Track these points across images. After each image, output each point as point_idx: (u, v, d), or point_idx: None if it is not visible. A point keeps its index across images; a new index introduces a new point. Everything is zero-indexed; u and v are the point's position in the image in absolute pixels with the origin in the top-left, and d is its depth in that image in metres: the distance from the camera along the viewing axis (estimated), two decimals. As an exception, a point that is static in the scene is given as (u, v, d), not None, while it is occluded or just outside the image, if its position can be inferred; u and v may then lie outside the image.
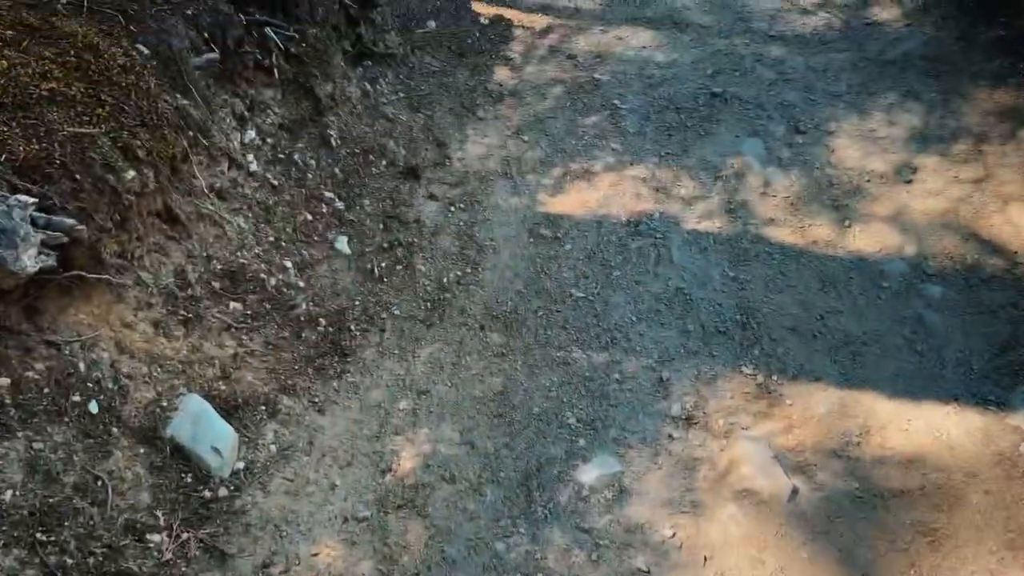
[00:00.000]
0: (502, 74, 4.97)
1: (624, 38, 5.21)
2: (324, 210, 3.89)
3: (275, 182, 3.76)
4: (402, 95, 4.68)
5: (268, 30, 3.76)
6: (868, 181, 4.15)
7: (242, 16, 3.62)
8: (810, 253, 3.83)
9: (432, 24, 5.21)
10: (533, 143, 4.52)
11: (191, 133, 3.18)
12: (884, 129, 4.40)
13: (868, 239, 3.87)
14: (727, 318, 3.59)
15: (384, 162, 4.25)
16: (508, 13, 5.45)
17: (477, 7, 5.46)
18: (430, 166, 4.33)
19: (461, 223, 4.06)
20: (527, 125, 4.63)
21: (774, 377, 3.35)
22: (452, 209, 4.12)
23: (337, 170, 4.07)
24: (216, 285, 3.30)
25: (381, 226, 3.96)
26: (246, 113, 3.68)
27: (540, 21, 5.37)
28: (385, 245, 3.87)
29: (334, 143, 4.11)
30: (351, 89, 4.37)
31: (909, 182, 4.11)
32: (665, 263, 3.84)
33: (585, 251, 3.93)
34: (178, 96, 3.13)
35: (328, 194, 3.95)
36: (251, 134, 3.70)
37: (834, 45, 4.99)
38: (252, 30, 3.73)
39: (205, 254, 3.31)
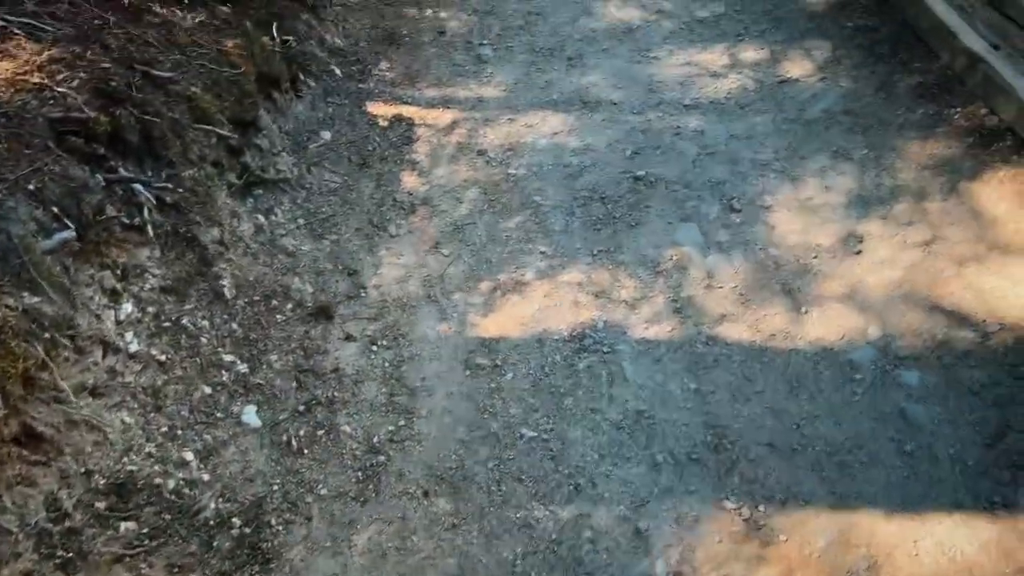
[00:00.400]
0: (410, 181, 4.57)
1: (534, 125, 4.89)
2: (225, 378, 3.37)
3: (162, 358, 3.24)
4: (302, 222, 4.22)
5: (135, 186, 3.27)
6: (815, 257, 3.87)
7: (101, 177, 3.12)
8: (771, 350, 3.51)
9: (327, 135, 4.78)
10: (455, 256, 4.11)
11: (47, 334, 2.66)
12: (821, 196, 4.16)
13: (828, 325, 3.58)
14: (697, 441, 3.21)
15: (289, 305, 3.77)
16: (407, 111, 5.07)
17: (373, 108, 5.07)
18: (343, 300, 3.87)
19: (386, 364, 3.60)
20: (445, 236, 4.22)
21: (760, 508, 2.98)
22: (374, 349, 3.66)
23: (235, 326, 3.57)
24: (100, 506, 2.75)
25: (294, 384, 3.47)
26: (118, 285, 3.16)
27: (443, 116, 5.01)
28: (301, 408, 3.37)
29: (228, 294, 3.62)
30: (242, 227, 3.90)
31: (858, 253, 3.86)
32: (619, 382, 3.45)
33: (529, 378, 3.51)
34: (25, 295, 2.61)
35: (228, 357, 3.44)
36: (127, 308, 3.18)
37: (752, 108, 4.77)
38: (115, 188, 3.23)
39: (83, 470, 2.76)
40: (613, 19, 5.67)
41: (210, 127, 3.74)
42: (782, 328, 3.59)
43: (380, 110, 5.07)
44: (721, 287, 3.80)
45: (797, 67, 4.98)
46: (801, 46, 5.13)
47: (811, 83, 4.85)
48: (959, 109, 4.36)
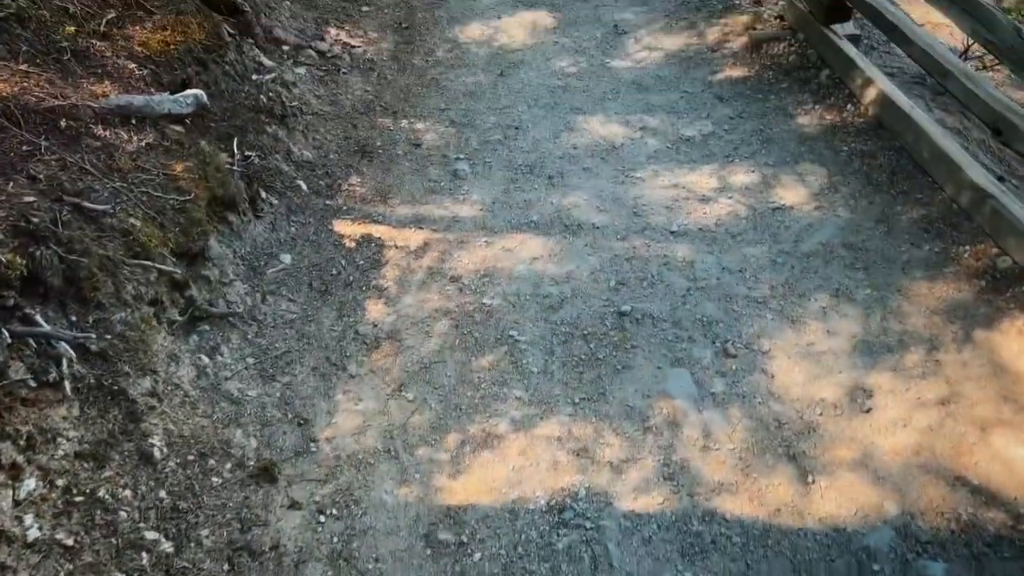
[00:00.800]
0: (376, 311, 4.18)
1: (512, 249, 4.55)
2: (144, 561, 2.88)
3: (70, 541, 2.75)
4: (252, 361, 3.79)
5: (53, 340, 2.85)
6: (821, 414, 3.49)
7: (7, 332, 2.70)
8: (776, 529, 3.08)
9: (287, 259, 4.41)
10: (420, 402, 3.69)
11: (-90, 539, 2.19)
12: (823, 341, 3.81)
13: (840, 499, 3.16)
14: (694, 650, 2.74)
15: (229, 464, 3.31)
16: (377, 230, 4.72)
17: (340, 227, 4.72)
18: (291, 458, 3.42)
19: (335, 539, 3.13)
20: (411, 377, 3.81)
21: None
22: (322, 519, 3.20)
23: (163, 493, 3.10)
24: None
25: (226, 566, 2.99)
26: (20, 458, 2.70)
27: (415, 237, 4.67)
28: (232, 599, 2.88)
29: (158, 455, 3.16)
30: (181, 372, 3.47)
31: (868, 411, 3.48)
32: (603, 568, 3.00)
33: (500, 561, 3.05)
34: None
35: (151, 535, 2.96)
36: (30, 484, 2.71)
37: (744, 238, 4.46)
38: (27, 340, 2.81)
39: None
40: (596, 135, 5.42)
41: (149, 262, 3.35)
42: (788, 502, 3.17)
43: (348, 229, 4.72)
44: (718, 449, 3.39)
45: (791, 193, 4.71)
46: (794, 170, 4.87)
47: (807, 212, 4.56)
48: (968, 247, 4.07)
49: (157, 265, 3.38)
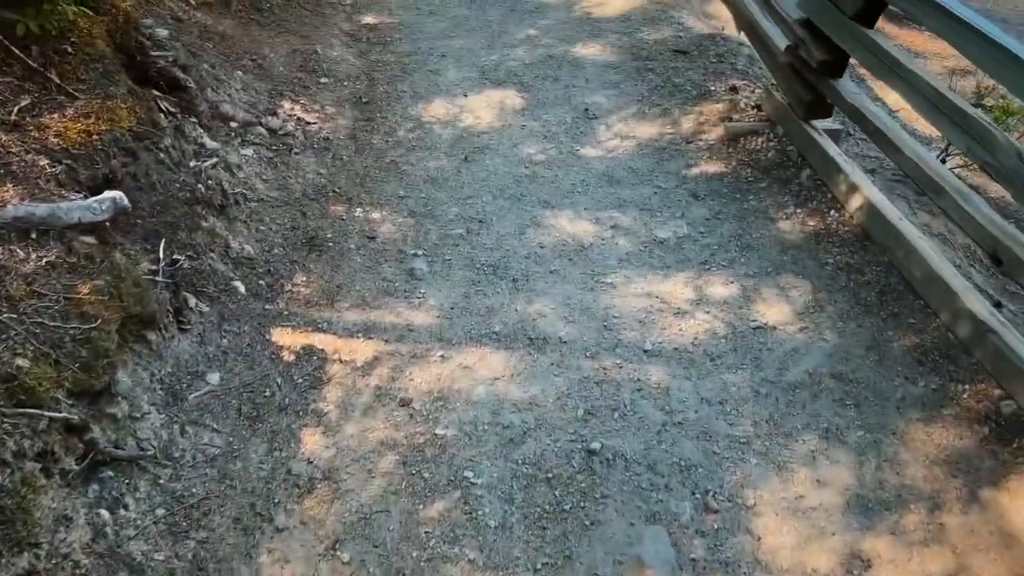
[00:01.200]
0: (312, 443, 3.70)
1: (470, 367, 4.11)
2: None
3: None
4: (162, 513, 3.28)
5: None
6: (814, 590, 3.07)
7: None
8: None
9: (214, 378, 3.92)
10: (356, 564, 3.20)
11: None
12: (813, 494, 3.41)
13: None
14: None
15: (123, 657, 2.78)
16: (321, 340, 4.26)
17: (279, 337, 4.25)
18: (200, 643, 2.90)
19: None
20: (348, 530, 3.33)
21: None
22: None
23: None
24: None
25: None
26: None
27: (363, 349, 4.21)
28: None
29: (33, 653, 2.62)
30: (73, 536, 2.94)
31: (867, 587, 3.07)
32: None
33: None
34: None
35: None
36: None
37: (724, 361, 4.07)
38: None
39: None
40: (564, 233, 5.05)
41: (37, 410, 2.85)
42: None
43: (287, 339, 4.25)
44: (698, 636, 2.94)
45: (773, 311, 4.34)
46: (776, 283, 4.52)
47: (790, 333, 4.19)
48: (967, 386, 3.72)
49: (47, 413, 2.87)
